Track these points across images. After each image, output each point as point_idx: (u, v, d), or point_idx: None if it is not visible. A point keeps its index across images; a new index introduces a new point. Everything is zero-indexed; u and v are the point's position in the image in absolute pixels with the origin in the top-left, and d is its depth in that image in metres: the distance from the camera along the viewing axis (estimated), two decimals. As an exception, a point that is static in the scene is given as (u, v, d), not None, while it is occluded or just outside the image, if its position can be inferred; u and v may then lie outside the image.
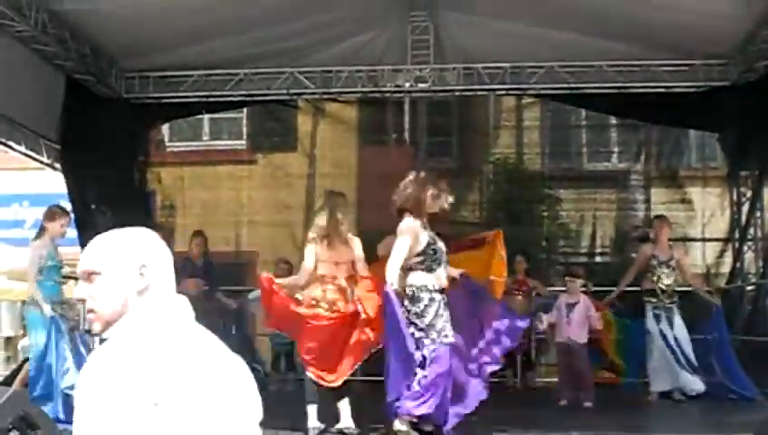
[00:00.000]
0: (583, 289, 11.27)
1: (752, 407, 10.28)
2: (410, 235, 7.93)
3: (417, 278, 7.98)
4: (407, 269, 7.97)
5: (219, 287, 12.95)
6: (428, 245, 8.00)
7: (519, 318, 9.00)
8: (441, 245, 8.14)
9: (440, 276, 8.03)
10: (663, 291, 11.39)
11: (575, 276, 11.28)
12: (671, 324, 11.33)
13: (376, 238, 9.27)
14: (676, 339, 11.27)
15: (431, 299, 7.90)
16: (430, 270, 7.99)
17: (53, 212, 9.66)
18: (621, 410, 10.48)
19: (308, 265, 8.52)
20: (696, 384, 11.06)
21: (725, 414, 10.09)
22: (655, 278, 11.45)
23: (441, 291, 8.02)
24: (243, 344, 12.93)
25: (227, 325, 12.83)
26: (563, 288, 11.66)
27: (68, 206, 11.81)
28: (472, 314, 8.51)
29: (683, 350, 11.20)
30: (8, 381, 10.62)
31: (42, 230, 9.56)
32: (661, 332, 11.32)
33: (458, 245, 8.73)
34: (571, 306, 11.02)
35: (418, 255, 7.98)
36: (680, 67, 13.90)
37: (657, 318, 11.36)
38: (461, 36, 13.70)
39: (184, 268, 12.71)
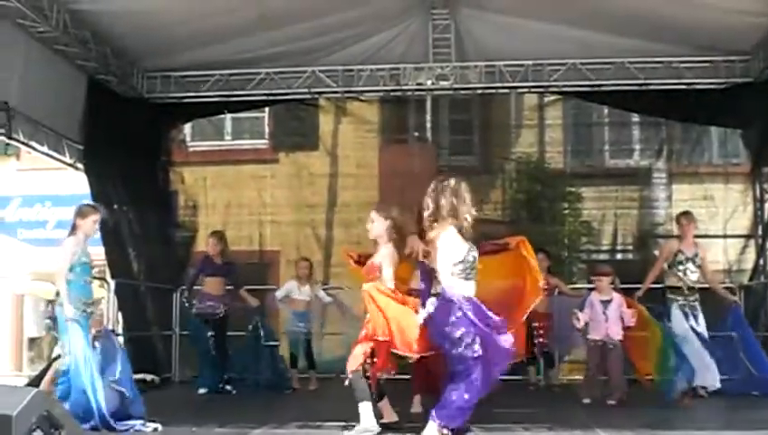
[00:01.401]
0: (612, 286, 11.18)
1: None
2: (454, 241, 7.73)
3: (454, 286, 7.62)
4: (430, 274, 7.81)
5: (243, 286, 12.95)
6: (468, 252, 7.76)
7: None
8: (476, 254, 7.89)
9: (473, 287, 7.74)
10: (690, 287, 11.36)
11: (602, 275, 11.20)
12: (697, 321, 11.31)
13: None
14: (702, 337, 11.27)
15: (465, 311, 7.51)
16: (468, 279, 7.70)
17: (85, 210, 9.58)
18: (644, 407, 10.41)
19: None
20: (716, 381, 11.13)
21: (746, 411, 10.05)
22: (681, 274, 11.41)
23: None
24: (267, 342, 12.98)
25: (254, 323, 12.86)
26: (588, 286, 11.60)
27: (95, 205, 11.77)
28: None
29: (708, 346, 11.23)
30: (35, 382, 10.60)
31: (74, 228, 9.50)
32: (692, 329, 11.28)
33: (479, 249, 8.49)
34: (605, 304, 10.96)
35: (458, 263, 7.68)
36: (702, 64, 13.89)
37: (686, 316, 11.32)
38: (482, 34, 13.71)
39: (204, 267, 12.75)
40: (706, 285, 11.66)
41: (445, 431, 7.55)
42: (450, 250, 7.67)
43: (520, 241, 8.74)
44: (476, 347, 7.44)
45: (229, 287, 12.83)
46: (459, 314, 7.46)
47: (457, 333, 7.45)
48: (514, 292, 8.52)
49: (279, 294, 13.05)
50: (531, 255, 8.60)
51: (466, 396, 7.51)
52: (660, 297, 11.67)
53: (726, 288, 12.25)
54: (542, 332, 12.37)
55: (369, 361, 8.10)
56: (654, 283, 11.73)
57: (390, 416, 8.47)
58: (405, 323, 7.91)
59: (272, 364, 12.90)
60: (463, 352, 7.45)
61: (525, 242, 8.68)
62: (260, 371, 12.84)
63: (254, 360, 12.88)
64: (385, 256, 8.36)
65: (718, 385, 11.17)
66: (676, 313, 11.34)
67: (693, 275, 11.38)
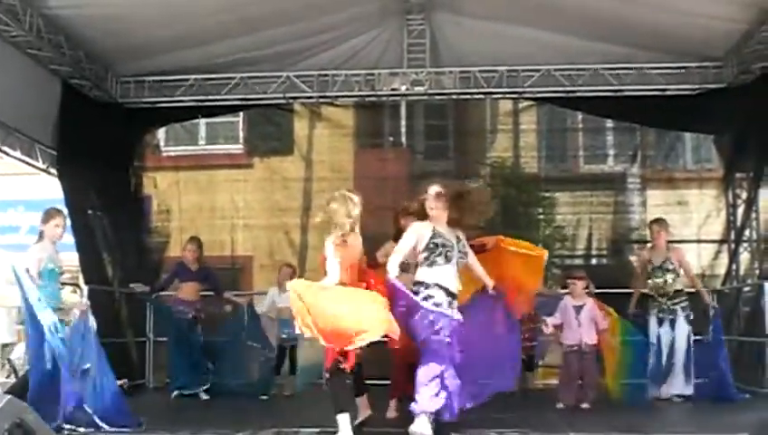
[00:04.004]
0: (587, 290, 11.20)
1: (748, 407, 10.28)
2: (414, 233, 8.29)
3: (418, 274, 8.21)
4: (414, 266, 8.30)
5: (225, 291, 12.95)
6: (430, 239, 8.18)
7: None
8: (449, 242, 8.23)
9: (445, 273, 8.14)
10: (661, 294, 11.44)
11: (576, 278, 11.23)
12: (673, 327, 11.37)
13: (373, 242, 9.23)
14: (672, 343, 11.31)
15: (428, 295, 8.01)
16: (432, 265, 8.15)
17: (48, 213, 9.58)
18: (618, 411, 10.45)
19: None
20: (685, 390, 11.21)
21: (721, 414, 10.09)
22: (650, 282, 11.52)
23: (446, 290, 8.08)
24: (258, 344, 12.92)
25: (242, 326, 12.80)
26: (563, 291, 11.63)
27: (64, 210, 11.67)
28: (485, 332, 8.75)
29: (674, 356, 11.27)
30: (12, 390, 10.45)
31: (41, 234, 9.51)
32: (659, 336, 11.37)
33: None
34: (577, 309, 10.98)
35: (422, 251, 8.18)
36: (675, 70, 13.99)
37: (660, 322, 11.46)
38: (457, 40, 13.75)
39: (179, 273, 12.67)
40: (690, 289, 11.75)
41: (429, 418, 7.81)
42: (404, 240, 8.28)
43: (498, 240, 9.05)
44: (445, 331, 7.91)
45: (210, 293, 12.82)
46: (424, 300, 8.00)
47: (426, 320, 7.90)
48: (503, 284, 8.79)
49: (262, 308, 12.87)
50: (515, 244, 8.90)
51: (432, 373, 7.85)
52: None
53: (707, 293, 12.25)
54: (526, 335, 12.32)
55: (341, 359, 7.92)
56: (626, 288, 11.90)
57: (365, 412, 8.45)
58: (338, 312, 7.64)
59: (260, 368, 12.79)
60: (432, 335, 7.88)
61: (503, 239, 8.92)
62: (246, 375, 12.76)
63: (241, 364, 12.79)
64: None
65: (689, 392, 11.27)
66: (652, 319, 11.54)
67: (660, 281, 11.48)
